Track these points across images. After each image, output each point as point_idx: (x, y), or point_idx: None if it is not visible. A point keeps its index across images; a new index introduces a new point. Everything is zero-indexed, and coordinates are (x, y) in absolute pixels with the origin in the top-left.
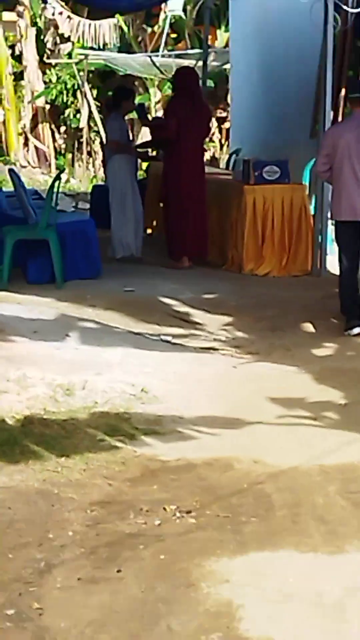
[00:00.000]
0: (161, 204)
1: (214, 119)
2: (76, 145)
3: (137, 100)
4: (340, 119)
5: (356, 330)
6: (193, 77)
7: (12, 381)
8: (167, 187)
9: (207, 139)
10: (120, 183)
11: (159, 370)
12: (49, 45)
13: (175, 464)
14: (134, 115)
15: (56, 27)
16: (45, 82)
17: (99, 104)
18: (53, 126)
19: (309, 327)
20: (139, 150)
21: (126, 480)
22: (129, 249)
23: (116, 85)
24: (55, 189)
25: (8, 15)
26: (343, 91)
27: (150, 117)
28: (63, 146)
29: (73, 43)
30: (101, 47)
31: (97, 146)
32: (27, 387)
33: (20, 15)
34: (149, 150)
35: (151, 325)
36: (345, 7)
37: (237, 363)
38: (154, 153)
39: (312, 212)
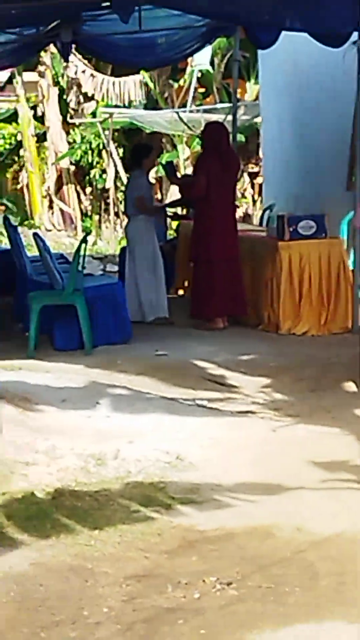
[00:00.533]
0: (192, 264)
1: (246, 175)
2: (103, 206)
3: (165, 158)
4: None
5: None
6: (222, 132)
7: (41, 452)
8: (197, 246)
9: (239, 195)
10: (148, 242)
11: (195, 437)
12: (72, 104)
13: (214, 533)
14: (162, 172)
15: (79, 85)
16: (69, 143)
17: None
18: (78, 187)
19: (350, 386)
20: (168, 209)
21: (163, 552)
22: (161, 310)
23: (135, 144)
24: (81, 252)
25: (29, 76)
26: None
27: (179, 175)
28: (89, 208)
29: (97, 102)
30: (126, 104)
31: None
32: (57, 458)
33: (41, 75)
34: (179, 209)
35: (185, 389)
36: None
37: (276, 426)
38: (184, 212)
39: (351, 267)
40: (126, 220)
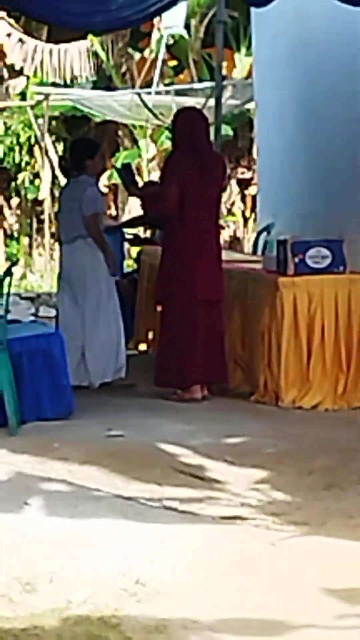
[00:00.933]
0: (158, 308)
1: (234, 182)
2: (35, 225)
3: (121, 159)
4: None
5: None
6: (199, 123)
7: None
8: (166, 282)
9: (225, 211)
10: (99, 277)
11: (162, 552)
12: None
13: None
14: (116, 179)
15: (2, 55)
16: None
17: (66, 165)
18: (1, 198)
19: None
20: (125, 230)
21: None
22: (110, 372)
23: (75, 139)
24: (5, 290)
25: None
26: None
27: (140, 183)
28: (15, 227)
29: (28, 78)
30: (68, 82)
31: None
32: None
33: None
34: (141, 230)
35: (149, 485)
36: None
37: (276, 539)
38: (148, 234)
39: None
40: (64, 245)
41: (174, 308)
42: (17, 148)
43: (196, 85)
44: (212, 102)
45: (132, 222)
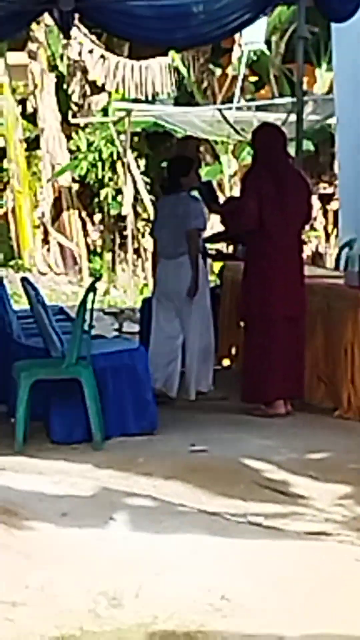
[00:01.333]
0: (242, 324)
1: (315, 198)
2: (117, 240)
3: (203, 174)
4: None
5: None
6: (277, 138)
7: (32, 588)
8: (249, 298)
9: (307, 227)
10: (203, 294)
11: (247, 568)
12: (75, 97)
13: None
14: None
15: (85, 71)
16: (70, 151)
17: (149, 181)
18: (84, 214)
19: None
20: (208, 246)
21: None
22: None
23: (171, 157)
24: (88, 305)
25: (16, 57)
26: None
27: (221, 199)
28: (99, 242)
29: (109, 94)
30: (150, 98)
31: (147, 241)
32: (55, 596)
33: (33, 56)
34: (223, 245)
35: (232, 500)
36: None
37: None
38: (230, 249)
39: None
40: (166, 261)
41: (256, 323)
42: (99, 164)
43: (277, 101)
44: (293, 117)
45: (214, 238)
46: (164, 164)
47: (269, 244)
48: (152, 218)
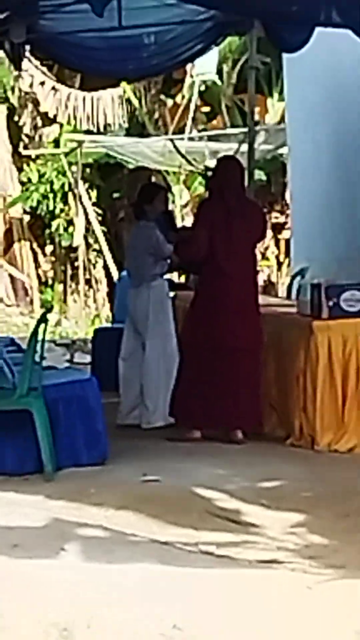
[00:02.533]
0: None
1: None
2: (69, 271)
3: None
4: None
5: None
6: (233, 170)
7: None
8: (192, 326)
9: (259, 256)
10: (165, 320)
11: (199, 597)
12: (26, 129)
13: None
14: None
15: (36, 103)
16: (22, 183)
17: (100, 212)
18: (35, 245)
19: None
20: None
21: None
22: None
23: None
24: (40, 336)
25: None
26: None
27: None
28: (50, 274)
29: (61, 125)
30: (102, 129)
31: (99, 272)
32: (6, 628)
33: None
34: (175, 274)
35: (184, 530)
36: None
37: (312, 582)
38: (182, 279)
39: None
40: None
41: (199, 352)
42: (51, 195)
43: (229, 131)
44: (244, 147)
45: (168, 267)
46: (116, 195)
47: (219, 273)
48: (103, 249)
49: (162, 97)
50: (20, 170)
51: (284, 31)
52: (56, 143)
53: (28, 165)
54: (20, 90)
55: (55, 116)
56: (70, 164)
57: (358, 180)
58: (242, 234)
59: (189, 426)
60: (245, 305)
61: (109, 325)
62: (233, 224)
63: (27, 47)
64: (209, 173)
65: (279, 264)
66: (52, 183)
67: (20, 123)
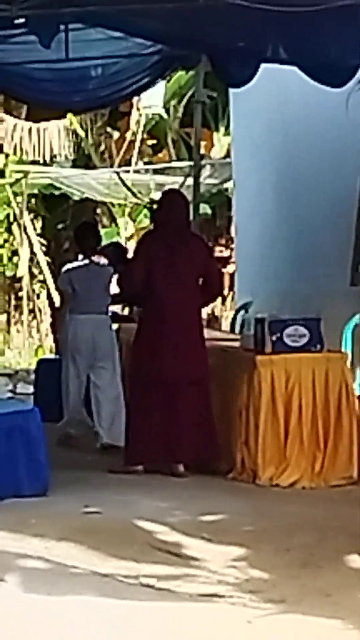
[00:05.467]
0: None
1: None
2: (13, 301)
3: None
4: None
5: None
6: (177, 203)
7: None
8: (138, 361)
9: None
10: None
11: (139, 630)
12: None
13: None
14: None
15: None
16: None
17: (45, 242)
18: None
19: (356, 560)
20: None
21: None
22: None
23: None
24: None
25: None
26: None
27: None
28: None
29: (7, 156)
30: (47, 160)
31: (42, 302)
32: None
33: None
34: (119, 307)
35: (125, 562)
36: None
37: (252, 616)
38: (126, 311)
39: (357, 392)
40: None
41: (140, 386)
42: None
43: (175, 164)
44: (190, 181)
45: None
46: (61, 226)
47: (159, 306)
48: (48, 279)
49: (109, 129)
50: None
51: (230, 66)
52: (1, 173)
53: None
54: None
55: (1, 146)
56: (15, 194)
57: (302, 215)
58: (184, 268)
59: (132, 462)
60: (187, 338)
61: (53, 356)
62: (174, 257)
63: None
64: (154, 206)
65: (223, 298)
66: None
67: None
